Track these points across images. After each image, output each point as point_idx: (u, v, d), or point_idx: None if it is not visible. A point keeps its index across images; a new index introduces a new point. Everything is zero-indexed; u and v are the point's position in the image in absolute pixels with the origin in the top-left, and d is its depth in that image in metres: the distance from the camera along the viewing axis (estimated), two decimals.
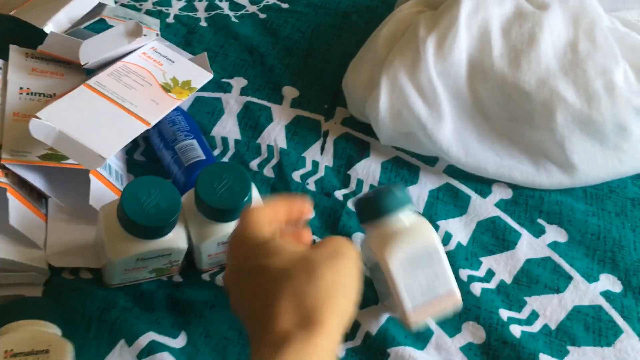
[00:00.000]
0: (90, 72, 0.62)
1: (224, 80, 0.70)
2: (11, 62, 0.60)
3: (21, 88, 0.58)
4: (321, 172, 0.63)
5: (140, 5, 0.77)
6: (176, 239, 0.50)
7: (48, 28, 0.60)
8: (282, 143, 0.65)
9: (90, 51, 0.57)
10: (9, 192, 0.51)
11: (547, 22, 0.62)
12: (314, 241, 0.54)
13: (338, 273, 0.39)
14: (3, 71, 0.60)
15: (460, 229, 0.59)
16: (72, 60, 0.60)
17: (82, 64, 0.57)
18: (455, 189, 0.62)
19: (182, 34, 0.74)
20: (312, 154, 0.64)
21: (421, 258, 0.47)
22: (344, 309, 0.39)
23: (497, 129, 0.63)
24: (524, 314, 0.54)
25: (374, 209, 0.48)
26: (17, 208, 0.51)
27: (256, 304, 0.39)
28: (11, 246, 0.51)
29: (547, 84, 0.60)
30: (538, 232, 0.59)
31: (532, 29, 0.62)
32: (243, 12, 0.78)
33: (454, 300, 0.48)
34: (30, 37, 0.63)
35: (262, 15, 0.78)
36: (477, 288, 0.55)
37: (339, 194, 0.61)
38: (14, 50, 0.61)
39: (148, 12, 0.76)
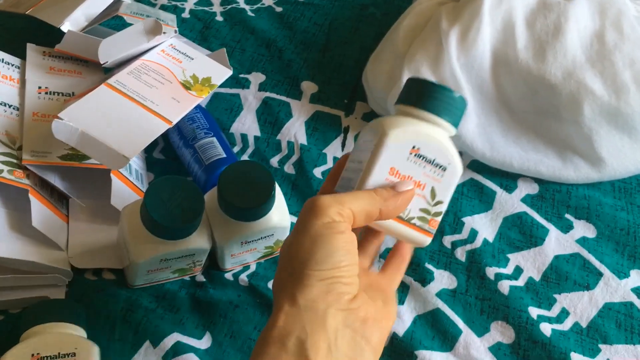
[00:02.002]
0: (108, 70, 0.62)
1: (241, 75, 0.69)
2: (29, 62, 0.60)
3: (39, 87, 0.58)
4: None
5: (155, 0, 0.77)
6: (199, 239, 0.50)
7: (65, 27, 0.60)
8: (302, 139, 0.64)
9: (109, 50, 0.56)
10: (31, 194, 0.50)
11: (573, 13, 0.60)
12: None
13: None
14: (21, 71, 0.59)
15: (486, 225, 0.58)
16: (90, 58, 0.60)
17: (102, 63, 0.57)
18: (480, 184, 0.61)
19: (198, 29, 0.73)
20: (332, 150, 0.63)
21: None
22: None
23: (522, 122, 0.62)
24: (553, 312, 0.53)
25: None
26: (39, 210, 0.51)
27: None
28: (34, 248, 0.50)
29: (573, 76, 0.59)
30: (566, 227, 0.58)
31: (558, 19, 0.60)
32: (259, 5, 0.77)
33: None
34: (47, 35, 0.62)
35: (279, 9, 0.77)
36: (505, 286, 0.54)
37: None
38: (31, 49, 0.61)
39: (163, 8, 0.76)
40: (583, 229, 0.58)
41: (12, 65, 0.59)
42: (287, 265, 0.37)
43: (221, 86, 0.66)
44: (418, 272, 0.55)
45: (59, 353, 0.44)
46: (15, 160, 0.52)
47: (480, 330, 0.52)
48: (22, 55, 0.60)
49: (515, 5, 0.61)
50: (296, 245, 0.37)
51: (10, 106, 0.55)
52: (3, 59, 0.59)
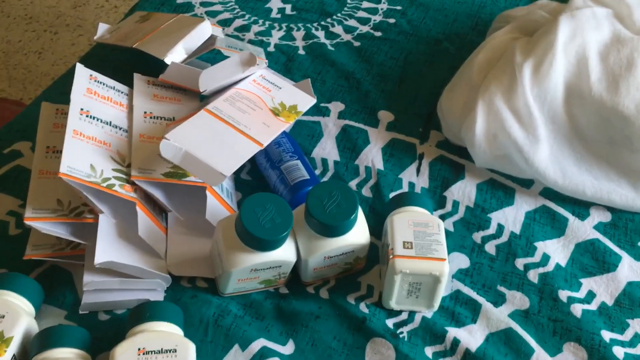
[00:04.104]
0: (203, 98, 0.68)
1: (322, 104, 0.74)
2: (135, 89, 0.66)
3: (145, 112, 0.64)
4: None
5: (243, 35, 0.83)
6: (287, 251, 0.54)
7: (168, 59, 0.66)
8: (379, 164, 0.67)
9: (208, 79, 0.62)
10: (137, 206, 0.56)
11: None
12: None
13: None
14: (129, 97, 0.66)
15: (559, 251, 0.60)
16: (188, 87, 0.66)
17: (201, 90, 0.62)
18: (552, 211, 0.63)
19: (282, 62, 0.79)
20: (408, 175, 0.67)
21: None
22: None
23: (595, 152, 0.63)
24: (626, 336, 0.54)
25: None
26: (145, 221, 0.56)
27: None
28: (138, 255, 0.56)
29: None
30: (639, 255, 0.59)
31: (631, 54, 0.62)
32: (338, 40, 0.82)
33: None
34: (144, 66, 0.69)
35: (357, 44, 0.82)
36: (577, 309, 0.55)
37: (435, 214, 0.63)
38: (137, 78, 0.68)
39: (250, 42, 0.82)
40: None
41: (122, 92, 0.66)
42: None
43: (303, 114, 0.71)
44: (490, 294, 0.57)
45: (161, 348, 0.48)
46: (124, 176, 0.58)
47: (553, 351, 0.53)
48: (129, 83, 0.67)
49: (589, 40, 0.64)
50: None
51: (120, 128, 0.62)
52: (115, 87, 0.65)
